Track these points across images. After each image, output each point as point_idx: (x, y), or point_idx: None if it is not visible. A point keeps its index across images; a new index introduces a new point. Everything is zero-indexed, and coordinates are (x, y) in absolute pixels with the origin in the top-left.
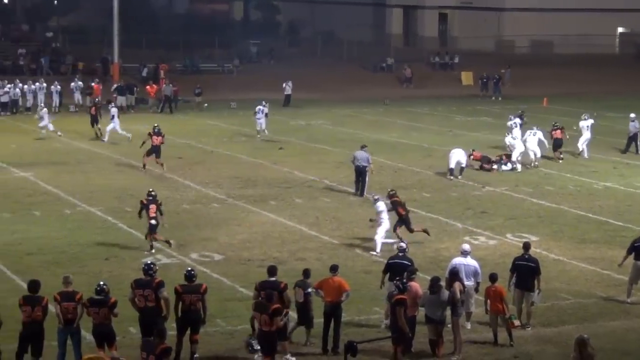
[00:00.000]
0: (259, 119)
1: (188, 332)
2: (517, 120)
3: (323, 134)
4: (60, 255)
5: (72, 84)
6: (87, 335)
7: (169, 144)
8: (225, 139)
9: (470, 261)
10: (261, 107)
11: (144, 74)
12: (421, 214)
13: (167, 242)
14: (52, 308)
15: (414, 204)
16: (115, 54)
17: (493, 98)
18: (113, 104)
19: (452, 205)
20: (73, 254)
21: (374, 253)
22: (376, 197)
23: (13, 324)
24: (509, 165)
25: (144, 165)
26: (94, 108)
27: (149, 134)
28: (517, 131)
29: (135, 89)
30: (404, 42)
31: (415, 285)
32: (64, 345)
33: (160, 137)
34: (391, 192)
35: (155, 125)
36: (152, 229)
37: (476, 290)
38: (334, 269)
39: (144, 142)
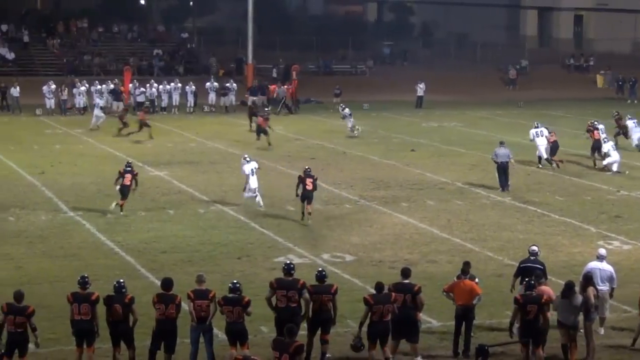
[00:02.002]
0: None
1: (318, 332)
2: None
3: (456, 135)
4: (193, 254)
5: (207, 84)
6: (219, 334)
7: (302, 144)
8: (357, 140)
9: (605, 266)
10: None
11: (274, 74)
12: (554, 217)
13: (120, 205)
14: (185, 306)
15: (547, 207)
16: (249, 55)
17: (629, 101)
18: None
19: (585, 209)
20: (206, 252)
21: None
22: (247, 158)
23: (147, 321)
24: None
25: None
26: (262, 120)
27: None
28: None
29: (266, 89)
30: (539, 43)
31: (546, 289)
32: (196, 342)
33: (129, 176)
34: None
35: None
36: (123, 195)
37: (610, 295)
38: (465, 272)
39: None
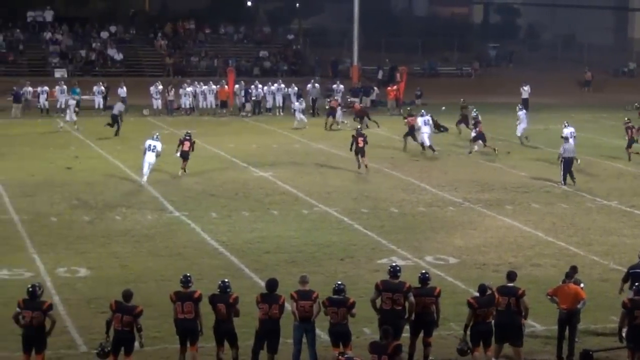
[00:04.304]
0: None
1: (421, 335)
2: None
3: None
4: (297, 255)
5: (309, 85)
6: (321, 334)
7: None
8: (461, 143)
9: None
10: (427, 118)
11: (380, 76)
12: None
13: (182, 168)
14: (288, 306)
15: None
16: (354, 56)
17: None
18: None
19: None
20: (309, 253)
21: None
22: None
23: (250, 321)
24: None
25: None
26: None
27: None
28: None
29: (371, 91)
30: None
31: None
32: (299, 342)
33: (188, 143)
34: None
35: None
36: (184, 158)
37: None
38: (569, 275)
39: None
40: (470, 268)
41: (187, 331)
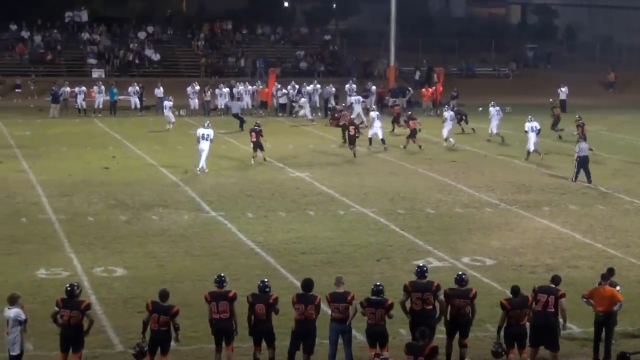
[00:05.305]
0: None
1: (457, 336)
2: None
3: (599, 140)
4: (333, 255)
5: (347, 85)
6: (357, 335)
7: (442, 147)
8: (497, 143)
9: None
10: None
11: (417, 77)
12: None
13: (253, 157)
14: (324, 307)
15: None
16: (391, 57)
17: None
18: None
19: None
20: (346, 254)
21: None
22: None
23: (286, 321)
24: None
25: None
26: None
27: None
28: None
29: (407, 91)
30: None
31: None
32: (335, 343)
33: (254, 134)
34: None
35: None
36: (254, 148)
37: None
38: (605, 277)
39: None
40: (507, 269)
41: (223, 331)
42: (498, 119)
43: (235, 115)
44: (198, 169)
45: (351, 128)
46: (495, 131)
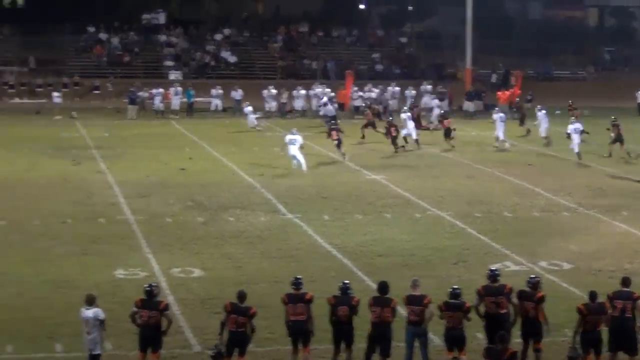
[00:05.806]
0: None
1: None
2: None
3: None
4: (409, 258)
5: (421, 87)
6: (434, 338)
7: (517, 150)
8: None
9: None
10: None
11: (494, 80)
12: None
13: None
14: (400, 309)
15: None
16: (467, 60)
17: None
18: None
19: None
20: (422, 257)
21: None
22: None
23: (362, 323)
24: None
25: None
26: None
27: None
28: None
29: (482, 94)
30: None
31: None
32: (411, 346)
33: (335, 132)
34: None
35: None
36: (337, 146)
37: None
38: None
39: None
40: (585, 274)
41: (299, 333)
42: (547, 121)
43: (333, 118)
44: (305, 170)
45: (392, 129)
46: (544, 134)
